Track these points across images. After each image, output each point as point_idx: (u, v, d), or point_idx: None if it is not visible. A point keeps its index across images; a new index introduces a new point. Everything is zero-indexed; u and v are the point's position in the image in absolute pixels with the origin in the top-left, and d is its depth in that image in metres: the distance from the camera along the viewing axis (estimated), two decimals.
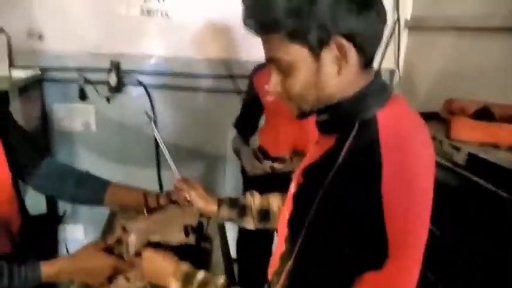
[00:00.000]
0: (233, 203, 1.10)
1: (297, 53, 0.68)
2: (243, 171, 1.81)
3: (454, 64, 1.96)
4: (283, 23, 0.65)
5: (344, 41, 0.65)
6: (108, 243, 1.03)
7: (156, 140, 2.21)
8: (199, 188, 1.10)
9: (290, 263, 0.69)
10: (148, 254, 0.96)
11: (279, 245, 0.80)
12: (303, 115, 0.77)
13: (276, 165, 1.58)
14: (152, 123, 1.19)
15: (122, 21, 2.21)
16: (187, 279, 0.88)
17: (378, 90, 0.72)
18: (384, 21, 0.69)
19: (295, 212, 0.74)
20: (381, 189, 0.60)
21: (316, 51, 0.67)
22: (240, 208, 1.09)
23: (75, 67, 2.21)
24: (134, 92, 2.31)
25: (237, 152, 1.79)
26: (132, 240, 1.02)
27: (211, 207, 1.09)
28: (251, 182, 1.71)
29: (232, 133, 1.91)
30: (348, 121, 0.70)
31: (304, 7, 0.64)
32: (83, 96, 2.27)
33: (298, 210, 0.74)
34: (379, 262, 0.60)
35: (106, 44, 2.23)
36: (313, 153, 0.78)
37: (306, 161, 0.80)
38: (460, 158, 1.36)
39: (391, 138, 0.65)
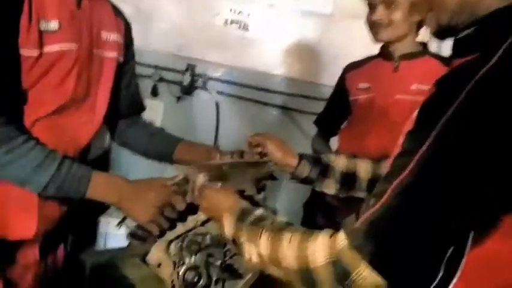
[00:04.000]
0: (315, 160, 0.97)
1: None
2: None
3: None
4: None
5: None
6: (173, 181, 0.93)
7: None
8: (276, 139, 0.99)
9: (381, 201, 0.56)
10: (208, 191, 0.87)
11: None
12: (442, 33, 0.67)
13: None
14: None
15: (205, 27, 2.29)
16: (243, 215, 0.78)
17: None
18: None
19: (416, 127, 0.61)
20: None
21: None
22: (322, 167, 0.97)
23: (153, 64, 2.27)
24: (203, 97, 2.33)
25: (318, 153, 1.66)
26: (200, 179, 0.91)
27: (291, 160, 0.97)
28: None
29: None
30: (498, 35, 0.58)
31: None
32: (155, 92, 2.32)
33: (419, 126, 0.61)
34: None
35: (186, 47, 2.30)
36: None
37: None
38: None
39: None
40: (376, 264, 0.55)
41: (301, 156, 0.98)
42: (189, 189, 0.93)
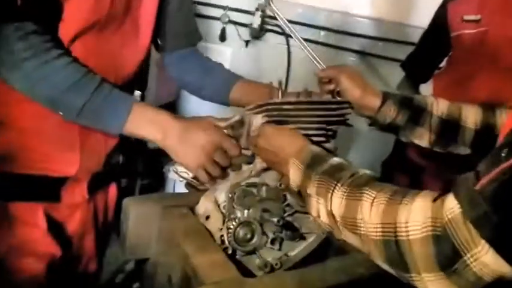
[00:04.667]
0: (405, 101, 0.77)
1: None
2: None
3: None
4: None
5: None
6: (227, 123, 0.79)
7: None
8: (354, 73, 0.80)
9: None
10: (270, 130, 0.72)
11: None
12: None
13: None
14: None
15: None
16: (314, 162, 0.62)
17: None
18: None
19: None
20: None
21: None
22: (414, 110, 0.76)
23: (223, 4, 2.12)
24: (274, 40, 2.15)
25: None
26: (258, 120, 0.76)
27: (372, 99, 0.77)
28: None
29: None
30: None
31: None
32: (223, 37, 2.19)
33: None
34: None
35: None
36: None
37: None
38: None
39: None
40: (503, 245, 0.37)
41: (386, 96, 0.78)
42: (245, 133, 0.79)
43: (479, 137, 0.73)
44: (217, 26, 2.16)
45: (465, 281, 0.41)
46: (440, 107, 0.76)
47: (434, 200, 0.45)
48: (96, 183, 0.92)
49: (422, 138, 0.75)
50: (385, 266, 0.50)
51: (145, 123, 0.73)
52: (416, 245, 0.43)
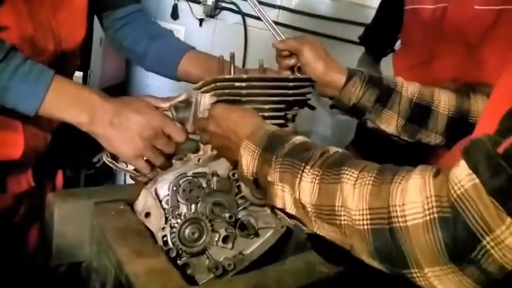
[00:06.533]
0: (373, 80, 0.69)
1: None
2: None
3: None
4: None
5: None
6: (170, 103, 0.68)
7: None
8: (317, 45, 0.71)
9: None
10: (220, 110, 0.62)
11: None
12: None
13: None
14: None
15: None
16: (273, 142, 0.53)
17: None
18: None
19: None
20: None
21: None
22: (382, 90, 0.68)
23: None
24: (230, 19, 2.02)
25: None
26: (206, 100, 0.66)
27: (336, 76, 0.69)
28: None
29: None
30: None
31: None
32: (175, 15, 2.04)
33: None
34: None
35: None
36: None
37: None
38: None
39: None
40: None
41: (352, 72, 0.69)
42: (191, 115, 0.68)
43: (452, 124, 0.67)
44: (168, 3, 2.02)
45: (481, 273, 0.33)
46: (410, 88, 0.68)
47: (436, 174, 0.37)
48: (42, 170, 0.81)
49: (390, 123, 0.68)
50: (373, 262, 0.41)
51: (68, 103, 0.60)
52: (417, 232, 0.35)
